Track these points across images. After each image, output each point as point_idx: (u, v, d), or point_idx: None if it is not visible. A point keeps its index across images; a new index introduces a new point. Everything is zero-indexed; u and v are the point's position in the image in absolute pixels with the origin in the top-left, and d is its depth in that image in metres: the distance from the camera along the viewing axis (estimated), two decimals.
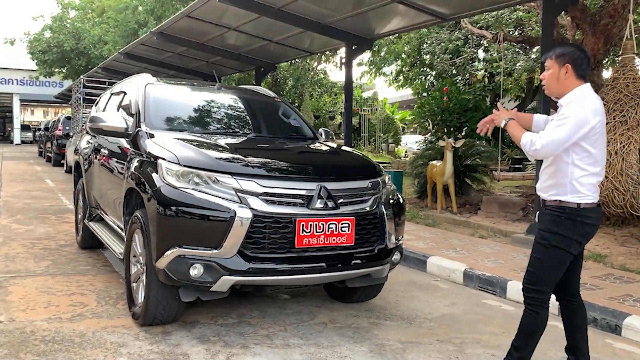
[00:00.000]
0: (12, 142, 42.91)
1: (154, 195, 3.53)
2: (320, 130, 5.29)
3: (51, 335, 3.61)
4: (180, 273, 3.39)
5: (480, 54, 19.04)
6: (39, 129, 36.35)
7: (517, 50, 15.97)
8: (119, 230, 4.77)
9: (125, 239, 4.34)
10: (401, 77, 23.78)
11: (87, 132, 6.61)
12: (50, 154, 21.29)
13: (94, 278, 5.08)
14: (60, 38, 28.95)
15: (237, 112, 5.13)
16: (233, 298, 4.20)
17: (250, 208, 3.38)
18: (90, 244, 6.21)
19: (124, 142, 4.58)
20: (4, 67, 40.05)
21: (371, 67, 23.86)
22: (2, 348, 3.37)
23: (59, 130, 19.22)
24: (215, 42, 13.14)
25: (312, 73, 20.17)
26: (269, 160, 3.84)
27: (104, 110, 6.04)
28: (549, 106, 6.85)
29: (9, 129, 49.14)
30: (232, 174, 3.49)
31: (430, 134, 11.13)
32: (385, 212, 3.84)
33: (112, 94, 6.08)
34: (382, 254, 3.85)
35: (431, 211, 8.79)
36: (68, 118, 19.65)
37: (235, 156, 3.72)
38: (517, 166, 15.24)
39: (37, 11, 70.37)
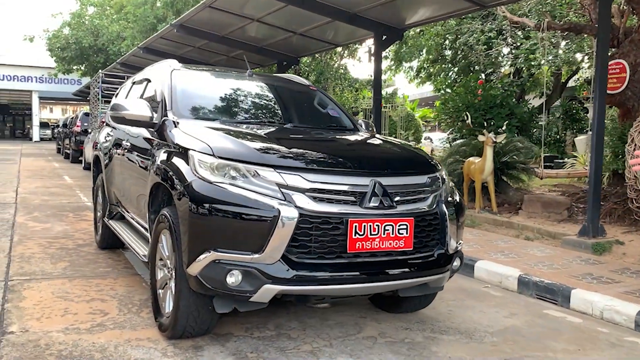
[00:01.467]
0: (31, 139, 43.01)
1: (185, 191, 3.08)
2: (360, 121, 4.82)
3: (68, 349, 3.18)
4: (216, 281, 2.94)
5: (505, 50, 18.41)
6: (58, 126, 36.40)
7: (552, 40, 15.10)
8: (142, 230, 4.35)
9: (149, 240, 3.91)
10: (423, 74, 23.25)
11: (106, 125, 6.22)
12: (68, 151, 21.06)
13: (114, 282, 4.66)
14: (78, 35, 28.81)
15: (271, 101, 4.67)
16: (269, 306, 3.74)
17: (296, 206, 2.91)
18: (110, 243, 5.81)
19: (147, 132, 4.14)
20: (23, 64, 40.12)
21: (392, 62, 23.34)
22: None
23: (77, 126, 18.98)
24: (236, 34, 12.72)
25: (335, 67, 19.67)
26: (314, 152, 3.36)
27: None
28: (603, 107, 6.31)
29: (28, 126, 49.35)
30: (274, 167, 3.02)
31: (465, 129, 10.53)
32: (447, 212, 3.35)
33: (133, 83, 5.67)
34: (442, 260, 3.37)
35: (468, 211, 8.26)
36: (86, 114, 19.41)
37: (277, 147, 3.25)
38: (548, 164, 14.58)
39: (56, 8, 70.60)
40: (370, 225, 3.02)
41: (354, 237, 2.98)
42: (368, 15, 9.13)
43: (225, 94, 4.51)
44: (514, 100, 16.25)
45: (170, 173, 3.36)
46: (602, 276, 4.96)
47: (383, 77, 27.45)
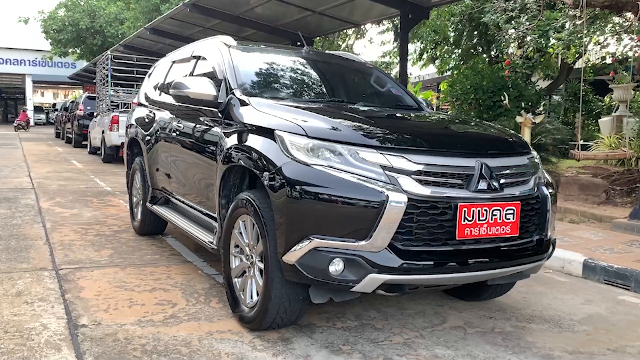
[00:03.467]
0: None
1: (278, 175, 2.85)
2: (420, 98, 4.61)
3: (151, 343, 2.98)
4: (316, 270, 2.73)
5: (511, 31, 18.12)
6: (54, 110, 35.78)
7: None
8: (202, 216, 4.12)
9: (217, 227, 3.70)
10: (426, 56, 22.98)
11: (140, 105, 5.97)
12: (70, 135, 20.66)
13: (167, 269, 4.45)
14: (75, 16, 28.22)
15: (333, 79, 4.43)
16: None
17: (403, 190, 2.70)
18: (151, 229, 5.59)
19: (208, 112, 3.90)
20: (16, 47, 39.34)
21: (394, 44, 23.09)
22: None
23: (80, 110, 18.59)
24: (250, 14, 12.44)
25: (343, 48, 19.35)
26: (413, 132, 3.15)
27: (164, 82, 5.36)
28: None
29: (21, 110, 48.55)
30: (377, 147, 2.80)
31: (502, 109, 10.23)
32: (548, 196, 3.15)
33: (173, 62, 5.40)
34: (542, 246, 3.18)
35: None
36: (89, 98, 18.99)
37: (374, 126, 3.03)
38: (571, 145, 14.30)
39: None
40: (478, 210, 2.82)
41: (463, 223, 2.79)
42: None
43: (288, 72, 4.27)
44: (526, 81, 16.07)
45: (252, 155, 3.14)
46: None
47: (385, 59, 27.17)
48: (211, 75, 4.14)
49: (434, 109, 4.52)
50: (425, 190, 2.75)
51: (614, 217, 6.37)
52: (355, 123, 3.05)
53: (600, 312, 3.86)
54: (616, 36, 10.08)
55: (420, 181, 2.76)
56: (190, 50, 4.91)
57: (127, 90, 14.86)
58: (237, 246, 3.39)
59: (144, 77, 15.95)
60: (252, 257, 3.21)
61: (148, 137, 5.25)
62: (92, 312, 3.41)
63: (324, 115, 3.13)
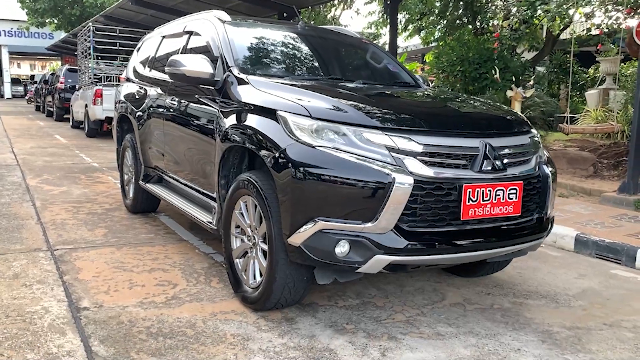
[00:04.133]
0: (2, 96, 41.38)
1: (282, 157, 2.82)
2: (417, 75, 4.57)
3: (155, 326, 2.98)
4: (322, 251, 2.74)
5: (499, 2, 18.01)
6: (33, 83, 34.97)
7: None
8: (199, 195, 4.09)
9: (217, 207, 3.67)
10: (411, 27, 22.80)
11: (128, 81, 5.86)
12: (51, 109, 20.28)
13: (164, 249, 4.43)
14: None
15: (331, 56, 4.37)
16: None
17: (409, 172, 2.70)
18: (144, 207, 5.55)
19: (205, 90, 3.84)
20: None
21: (380, 15, 22.90)
22: (106, 345, 2.73)
23: (61, 83, 18.20)
24: None
25: (334, 22, 19.09)
26: (416, 111, 3.13)
27: (155, 55, 5.25)
28: None
29: None
30: (382, 128, 2.78)
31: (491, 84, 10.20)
32: (549, 175, 3.18)
33: (164, 37, 5.28)
34: (541, 225, 3.21)
35: None
36: (70, 70, 18.59)
37: (378, 106, 3.01)
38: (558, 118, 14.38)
39: None
40: (483, 191, 2.84)
41: (467, 203, 2.80)
42: None
43: (285, 48, 4.20)
44: (511, 53, 16.04)
45: (254, 136, 3.10)
46: None
47: (370, 30, 26.90)
48: (206, 52, 4.06)
49: (430, 85, 4.49)
50: (431, 172, 2.75)
51: (603, 191, 6.47)
52: (359, 103, 3.02)
53: (593, 287, 3.94)
54: (604, 8, 10.08)
55: (425, 162, 2.76)
56: (182, 26, 4.80)
57: (110, 62, 14.55)
58: (238, 227, 3.37)
59: (127, 50, 15.60)
60: (254, 238, 3.20)
61: (140, 114, 5.15)
62: (92, 294, 3.39)
63: (327, 95, 3.10)
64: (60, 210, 5.65)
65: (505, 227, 3.02)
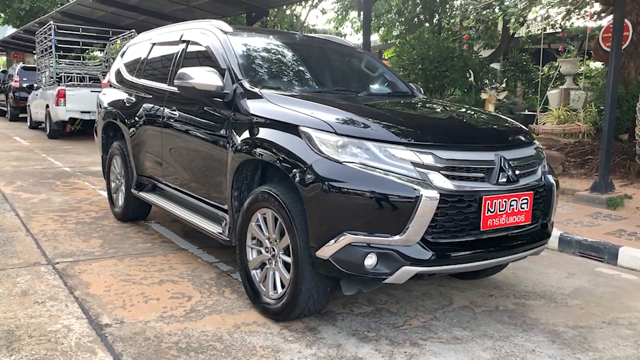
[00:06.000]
0: None
1: (309, 173, 2.90)
2: (411, 84, 4.72)
3: (183, 341, 3.01)
4: (351, 264, 2.84)
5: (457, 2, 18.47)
6: None
7: None
8: (205, 206, 4.10)
9: (228, 218, 3.71)
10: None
11: (112, 86, 5.79)
12: (4, 108, 19.53)
13: (166, 259, 4.42)
14: None
15: (333, 66, 4.45)
16: None
17: (435, 186, 2.83)
18: (134, 215, 5.50)
19: (212, 102, 3.86)
20: None
21: (338, 12, 23.11)
22: None
23: (16, 81, 17.56)
24: None
25: (295, 19, 19.08)
26: (437, 127, 3.26)
27: (146, 62, 5.21)
28: (619, 65, 6.44)
29: None
30: (406, 144, 2.90)
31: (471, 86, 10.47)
32: (553, 184, 3.38)
33: (154, 44, 5.24)
34: (545, 230, 3.41)
35: None
36: (25, 68, 17.94)
37: (399, 122, 3.12)
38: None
39: None
40: (499, 202, 3.00)
41: (486, 214, 2.95)
42: None
43: (288, 59, 4.26)
44: (470, 52, 16.48)
45: (274, 151, 3.16)
46: (635, 232, 5.23)
47: (328, 27, 27.06)
48: (208, 63, 4.07)
49: (422, 92, 4.65)
50: (453, 185, 2.88)
51: (575, 190, 6.81)
52: (381, 119, 3.12)
53: (584, 285, 4.18)
54: (565, 10, 10.53)
55: (447, 176, 2.89)
56: (177, 34, 4.77)
57: (71, 61, 14.15)
58: (254, 238, 3.43)
59: (88, 48, 15.10)
60: (273, 250, 3.26)
61: (131, 123, 5.10)
62: (110, 310, 3.38)
63: (346, 110, 3.19)
64: (46, 220, 5.53)
65: (516, 234, 3.19)
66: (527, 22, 17.25)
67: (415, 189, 2.76)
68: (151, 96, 4.83)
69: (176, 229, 5.31)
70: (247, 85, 3.66)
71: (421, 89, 4.75)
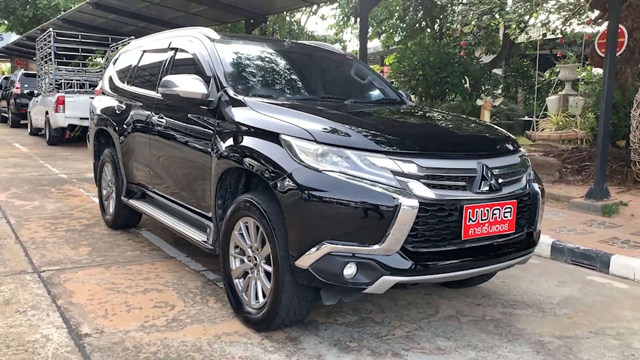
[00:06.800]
0: None
1: (289, 181, 2.87)
2: (401, 91, 4.70)
3: (162, 351, 2.98)
4: (330, 274, 2.80)
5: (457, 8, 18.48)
6: None
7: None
8: (191, 214, 4.08)
9: (212, 227, 3.69)
10: (371, 30, 23.12)
11: (104, 94, 5.79)
12: (5, 114, 19.61)
13: (153, 267, 4.40)
14: None
15: (320, 74, 4.43)
16: None
17: (414, 195, 2.80)
18: (125, 223, 5.49)
19: (197, 109, 3.84)
20: None
21: (340, 18, 23.16)
22: None
23: (17, 88, 17.62)
24: None
25: (297, 26, 19.12)
26: (418, 135, 3.23)
27: (137, 70, 5.20)
28: (613, 71, 6.40)
29: None
30: (386, 153, 2.87)
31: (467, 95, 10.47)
32: (538, 192, 3.34)
33: (144, 52, 5.23)
34: (531, 239, 3.38)
35: None
36: (27, 75, 18.02)
37: (381, 131, 3.09)
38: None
39: None
40: (481, 211, 2.96)
41: (468, 223, 2.92)
42: None
43: (275, 67, 4.24)
44: (471, 57, 16.46)
45: (256, 159, 3.13)
46: (628, 240, 5.18)
47: (330, 32, 27.09)
48: (194, 71, 4.06)
49: (411, 99, 4.62)
50: (433, 194, 2.85)
51: (571, 196, 6.76)
52: (362, 127, 3.09)
53: (574, 294, 4.14)
54: (563, 17, 10.50)
55: (428, 185, 2.86)
56: (165, 42, 4.76)
57: (71, 68, 14.20)
58: (237, 247, 3.40)
59: (90, 55, 15.19)
60: (256, 259, 3.24)
61: (121, 130, 5.09)
62: (91, 319, 3.35)
63: (327, 118, 3.17)
64: (37, 227, 5.52)
65: (500, 243, 3.16)
66: (527, 28, 17.24)
67: (395, 198, 2.73)
68: (140, 103, 4.83)
69: (166, 236, 5.29)
70: (231, 92, 3.64)
71: (411, 96, 4.72)
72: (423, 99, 14.63)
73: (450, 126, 3.57)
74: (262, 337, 3.18)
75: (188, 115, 3.98)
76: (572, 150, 8.80)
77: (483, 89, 14.91)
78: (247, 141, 3.28)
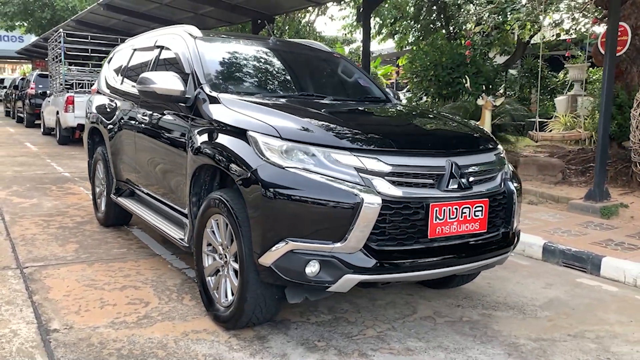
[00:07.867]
0: None
1: (253, 178, 2.85)
2: (387, 89, 4.64)
3: (126, 347, 2.97)
4: (292, 272, 2.77)
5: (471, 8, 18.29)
6: (2, 87, 34.23)
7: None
8: (171, 211, 4.09)
9: (188, 224, 3.68)
10: (384, 30, 23.00)
11: (98, 93, 5.83)
12: (21, 115, 19.91)
13: (136, 264, 4.40)
14: None
15: (303, 72, 4.40)
16: None
17: (378, 192, 2.75)
18: (116, 221, 5.51)
19: (175, 106, 3.84)
20: None
21: (353, 19, 23.09)
22: None
23: (32, 88, 17.88)
24: None
25: (309, 27, 19.11)
26: (385, 131, 3.18)
27: (126, 68, 5.23)
28: (613, 71, 6.26)
29: None
30: (350, 149, 2.83)
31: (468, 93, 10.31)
32: (514, 191, 3.26)
33: (135, 50, 5.25)
34: (508, 239, 3.30)
35: None
36: (41, 75, 18.28)
37: (347, 127, 3.05)
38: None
39: None
40: (449, 209, 2.90)
41: (434, 222, 2.86)
42: None
43: (256, 64, 4.22)
44: (484, 58, 16.26)
45: (225, 156, 3.11)
46: (622, 242, 5.05)
47: (342, 33, 27.04)
48: (176, 68, 4.06)
49: (400, 98, 4.56)
50: (398, 191, 2.80)
51: (571, 198, 6.62)
52: (329, 124, 3.06)
53: (560, 296, 4.04)
54: (572, 16, 10.32)
55: (393, 182, 2.81)
56: (153, 40, 4.78)
57: (82, 68, 14.36)
58: (209, 245, 3.39)
59: (99, 56, 15.35)
60: (225, 257, 3.22)
61: (111, 127, 5.12)
62: (62, 315, 3.36)
63: (297, 115, 3.13)
64: (30, 224, 5.58)
65: (472, 243, 3.09)
66: (537, 28, 16.99)
67: (356, 195, 2.69)
68: (127, 102, 4.85)
69: (156, 235, 5.29)
70: (207, 90, 3.63)
71: (399, 94, 4.66)
72: (436, 100, 14.53)
73: (423, 123, 3.51)
74: (230, 335, 3.16)
75: (166, 112, 3.98)
76: (578, 151, 8.64)
77: (497, 89, 14.73)
78: (219, 138, 3.26)
